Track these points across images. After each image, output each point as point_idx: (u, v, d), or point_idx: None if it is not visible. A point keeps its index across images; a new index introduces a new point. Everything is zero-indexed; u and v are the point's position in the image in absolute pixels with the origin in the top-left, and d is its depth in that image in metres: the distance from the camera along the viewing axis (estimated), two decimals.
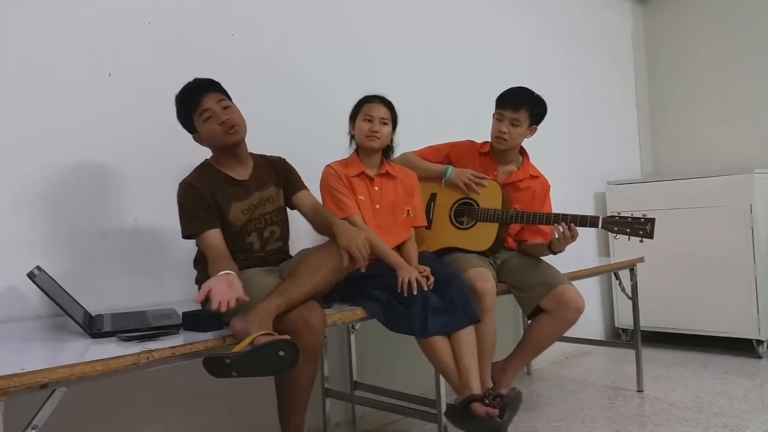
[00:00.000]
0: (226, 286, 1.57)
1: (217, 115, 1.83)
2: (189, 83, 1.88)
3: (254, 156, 2.00)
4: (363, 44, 2.89)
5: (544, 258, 2.49)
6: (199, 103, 1.84)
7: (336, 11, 2.79)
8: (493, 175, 2.52)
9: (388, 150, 2.29)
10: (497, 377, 2.39)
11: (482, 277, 2.20)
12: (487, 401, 1.89)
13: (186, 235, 1.86)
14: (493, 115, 2.52)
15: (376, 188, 2.23)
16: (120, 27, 2.12)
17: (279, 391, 1.78)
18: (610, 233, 2.29)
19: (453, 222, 2.48)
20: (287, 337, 1.52)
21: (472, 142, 2.62)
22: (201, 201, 1.82)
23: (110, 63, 2.09)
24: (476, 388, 1.92)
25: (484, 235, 2.41)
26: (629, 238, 2.27)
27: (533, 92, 2.49)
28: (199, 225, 1.81)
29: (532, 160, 2.63)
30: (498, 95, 2.51)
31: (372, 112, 2.18)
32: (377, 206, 2.21)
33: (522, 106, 2.43)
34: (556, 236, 2.28)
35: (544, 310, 2.34)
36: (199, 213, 1.82)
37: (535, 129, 2.53)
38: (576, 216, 2.29)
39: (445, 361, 1.96)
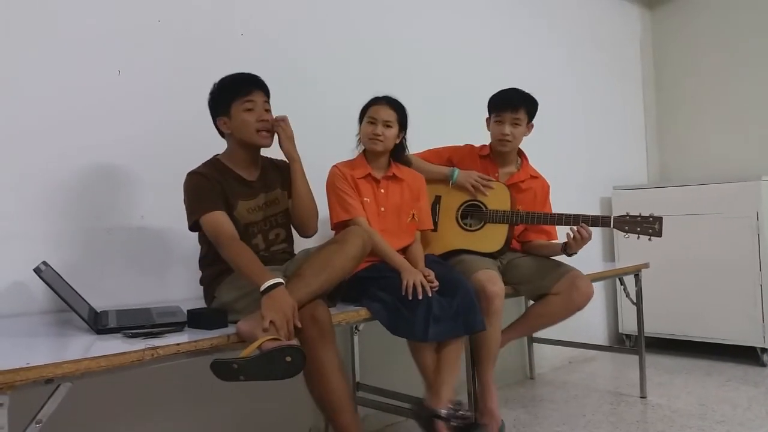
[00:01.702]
0: (281, 315, 1.55)
1: (259, 112, 1.88)
2: (245, 73, 1.91)
3: (263, 158, 2.01)
4: (366, 44, 2.89)
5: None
6: (248, 93, 1.87)
7: (340, 11, 2.80)
8: (495, 178, 2.53)
9: (399, 151, 2.27)
10: None
11: (491, 279, 2.21)
12: (452, 422, 1.97)
13: (192, 223, 1.83)
14: (488, 119, 2.54)
15: (382, 191, 2.22)
16: (130, 25, 2.13)
17: (316, 399, 1.70)
18: (620, 233, 2.30)
19: (460, 224, 2.48)
20: (294, 342, 1.51)
21: (471, 146, 2.64)
22: (211, 187, 1.82)
23: (120, 61, 2.09)
24: (445, 401, 1.99)
25: (495, 236, 2.41)
26: (638, 237, 2.28)
27: (523, 90, 2.52)
28: (208, 206, 1.79)
29: (538, 165, 2.63)
30: (490, 99, 2.53)
31: (375, 115, 2.16)
32: (382, 209, 2.20)
33: (520, 105, 2.46)
34: (572, 237, 2.28)
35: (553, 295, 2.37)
36: (208, 195, 1.81)
37: (532, 126, 2.55)
38: (588, 216, 2.30)
39: (427, 364, 2.05)
